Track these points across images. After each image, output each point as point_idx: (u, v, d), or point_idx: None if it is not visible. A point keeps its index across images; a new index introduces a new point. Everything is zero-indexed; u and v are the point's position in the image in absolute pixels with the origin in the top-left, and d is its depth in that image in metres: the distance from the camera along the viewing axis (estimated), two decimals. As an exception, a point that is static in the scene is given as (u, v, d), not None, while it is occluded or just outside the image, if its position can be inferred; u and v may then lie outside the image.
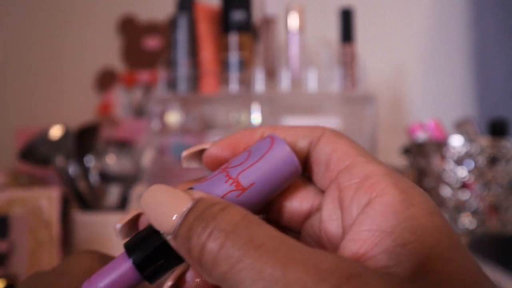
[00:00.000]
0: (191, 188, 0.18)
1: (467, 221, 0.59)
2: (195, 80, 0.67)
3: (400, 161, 0.73)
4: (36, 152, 0.68)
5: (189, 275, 0.19)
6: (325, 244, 0.19)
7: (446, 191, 0.60)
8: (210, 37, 0.71)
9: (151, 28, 0.97)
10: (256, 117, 0.66)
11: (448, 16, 0.98)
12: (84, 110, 0.94)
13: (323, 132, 0.20)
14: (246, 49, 0.66)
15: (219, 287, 0.15)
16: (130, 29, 0.97)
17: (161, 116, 0.67)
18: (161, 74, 0.68)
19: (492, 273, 0.68)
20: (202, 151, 0.21)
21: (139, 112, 0.91)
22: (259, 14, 0.72)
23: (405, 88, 0.98)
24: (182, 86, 0.66)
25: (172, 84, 0.67)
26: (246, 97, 0.66)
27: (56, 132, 0.68)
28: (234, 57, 0.66)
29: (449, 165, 0.60)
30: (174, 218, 0.16)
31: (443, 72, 0.98)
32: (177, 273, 0.18)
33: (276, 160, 0.19)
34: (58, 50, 0.97)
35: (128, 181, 0.70)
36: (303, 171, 0.20)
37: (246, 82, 0.66)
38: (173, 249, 0.17)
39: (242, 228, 0.15)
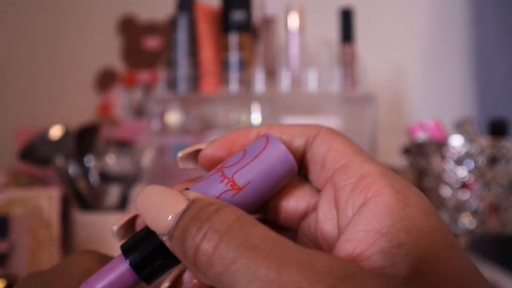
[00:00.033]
0: (187, 189, 0.18)
1: (467, 221, 0.59)
2: (195, 80, 0.67)
3: (400, 161, 0.73)
4: (36, 152, 0.68)
5: (186, 276, 0.19)
6: (321, 244, 0.19)
7: (446, 191, 0.60)
8: (210, 37, 0.71)
9: (151, 28, 0.97)
10: (256, 117, 0.66)
11: (448, 16, 0.98)
12: (84, 110, 0.94)
13: (319, 130, 0.20)
14: (246, 49, 0.66)
15: None
16: (130, 29, 0.97)
17: (161, 116, 0.67)
18: (161, 74, 0.68)
19: (492, 273, 0.68)
20: (198, 152, 0.21)
21: (139, 112, 0.91)
22: (259, 14, 0.72)
23: (405, 88, 0.98)
24: (182, 86, 0.66)
25: (172, 84, 0.67)
26: (246, 97, 0.66)
27: (56, 132, 0.68)
28: (234, 57, 0.66)
29: (449, 165, 0.60)
30: (169, 218, 0.16)
31: (443, 72, 0.98)
32: (174, 274, 0.18)
33: (272, 159, 0.19)
34: (58, 50, 0.97)
35: (128, 181, 0.70)
36: (300, 169, 0.20)
37: (246, 82, 0.66)
38: (169, 250, 0.17)
39: (236, 229, 0.15)
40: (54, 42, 0.97)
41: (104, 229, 0.63)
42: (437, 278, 0.15)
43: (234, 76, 0.66)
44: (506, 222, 0.60)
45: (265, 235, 0.15)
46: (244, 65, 0.66)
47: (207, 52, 0.70)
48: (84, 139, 0.70)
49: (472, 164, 0.59)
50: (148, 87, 0.93)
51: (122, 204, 0.68)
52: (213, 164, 0.20)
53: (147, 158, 0.69)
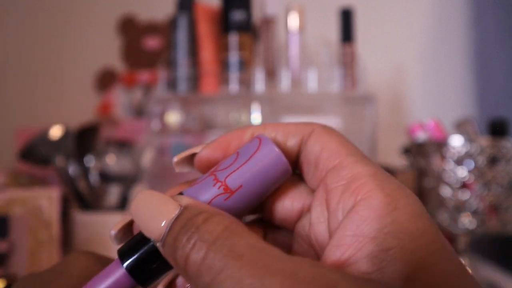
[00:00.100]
0: (181, 193, 0.19)
1: (467, 221, 0.59)
2: (195, 80, 0.67)
3: (400, 161, 0.73)
4: (36, 152, 0.68)
5: (180, 280, 0.19)
6: (314, 246, 0.19)
7: (446, 191, 0.60)
8: (210, 37, 0.71)
9: (151, 28, 0.97)
10: (256, 117, 0.66)
11: (448, 16, 0.98)
12: (84, 110, 0.94)
13: (313, 128, 0.20)
14: (246, 49, 0.66)
15: None
16: (130, 29, 0.97)
17: (161, 116, 0.67)
18: (161, 74, 0.68)
19: (492, 273, 0.68)
20: (193, 155, 0.21)
21: (139, 112, 0.91)
22: (259, 14, 0.72)
23: (405, 88, 0.98)
24: (182, 86, 0.66)
25: (172, 84, 0.67)
26: (246, 97, 0.66)
27: (56, 132, 0.68)
28: (234, 57, 0.66)
29: (449, 165, 0.60)
30: (162, 225, 0.16)
31: (443, 72, 0.98)
32: (168, 278, 0.19)
33: (264, 161, 0.19)
34: (58, 50, 0.97)
35: (128, 181, 0.70)
36: (295, 169, 0.20)
37: (246, 82, 0.66)
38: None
39: (223, 239, 0.15)
40: (54, 42, 0.97)
41: (104, 229, 0.63)
42: (423, 283, 0.14)
43: (234, 76, 0.66)
44: (506, 222, 0.60)
45: (250, 245, 0.15)
46: (244, 65, 0.66)
47: (207, 52, 0.70)
48: (84, 139, 0.70)
49: (472, 164, 0.59)
50: (148, 87, 0.93)
51: (122, 204, 0.68)
52: (209, 167, 0.20)
53: (147, 158, 0.69)
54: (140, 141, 0.76)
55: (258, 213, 0.21)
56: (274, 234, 0.21)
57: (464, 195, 0.59)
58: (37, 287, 0.20)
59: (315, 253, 0.19)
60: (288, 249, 0.21)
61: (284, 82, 0.67)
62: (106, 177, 0.69)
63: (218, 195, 0.18)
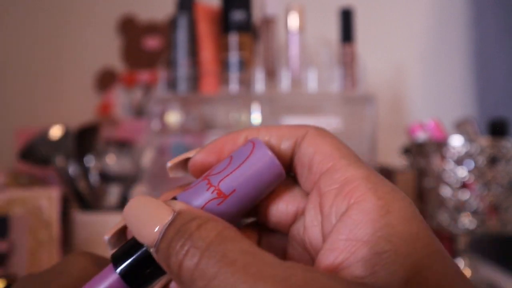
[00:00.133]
0: (174, 198, 0.19)
1: (467, 221, 0.59)
2: (195, 80, 0.67)
3: (400, 161, 0.73)
4: (36, 152, 0.68)
5: (173, 285, 0.19)
6: (309, 249, 0.19)
7: (446, 191, 0.60)
8: (210, 37, 0.71)
9: (151, 28, 0.97)
10: (256, 117, 0.66)
11: (448, 16, 0.98)
12: (84, 110, 0.94)
13: (307, 131, 0.19)
14: (246, 49, 0.66)
15: None
16: (130, 29, 0.97)
17: (161, 116, 0.67)
18: (161, 74, 0.68)
19: (492, 273, 0.68)
20: (187, 160, 0.21)
21: (139, 112, 0.91)
22: (259, 14, 0.72)
23: (405, 88, 0.98)
24: (182, 86, 0.66)
25: (172, 84, 0.67)
26: (246, 97, 0.66)
27: (56, 132, 0.68)
28: (234, 57, 0.66)
29: (449, 165, 0.60)
30: (155, 230, 0.16)
31: (443, 72, 0.98)
32: (161, 284, 0.19)
33: (257, 165, 0.19)
34: (58, 50, 0.97)
35: (128, 181, 0.70)
36: (289, 171, 0.20)
37: (246, 82, 0.66)
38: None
39: (216, 245, 0.15)
40: (54, 42, 0.97)
41: (104, 229, 0.63)
42: (418, 285, 0.14)
43: (234, 76, 0.66)
44: (506, 222, 0.60)
45: (243, 250, 0.15)
46: (244, 65, 0.66)
47: (207, 52, 0.70)
48: (84, 139, 0.70)
49: (472, 164, 0.59)
50: (148, 87, 0.93)
51: (122, 204, 0.68)
52: (203, 172, 0.20)
53: (147, 158, 0.69)
54: (140, 141, 0.76)
55: (253, 217, 0.21)
56: (269, 238, 0.21)
57: (464, 195, 0.59)
58: (36, 287, 0.20)
59: (310, 256, 0.19)
60: (283, 253, 0.21)
61: (284, 82, 0.67)
62: (106, 177, 0.69)
63: (211, 199, 0.18)
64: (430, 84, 0.98)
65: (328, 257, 0.16)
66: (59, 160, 0.67)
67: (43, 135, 0.68)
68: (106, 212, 0.66)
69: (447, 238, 0.66)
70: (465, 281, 0.16)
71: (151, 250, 0.17)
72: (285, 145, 0.20)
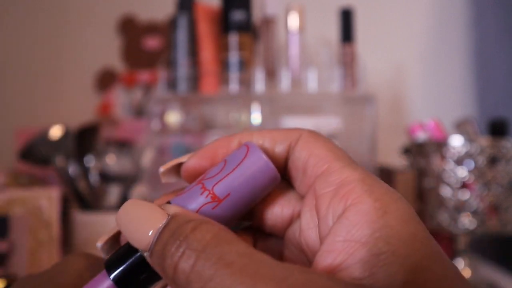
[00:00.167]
0: (168, 202, 0.18)
1: (467, 221, 0.59)
2: (195, 80, 0.67)
3: (400, 161, 0.73)
4: (36, 152, 0.68)
5: None
6: (306, 252, 0.19)
7: (446, 191, 0.60)
8: (210, 37, 0.71)
9: (151, 28, 0.97)
10: (256, 117, 0.66)
11: (448, 16, 0.98)
12: (84, 110, 0.94)
13: (301, 134, 0.19)
14: (246, 49, 0.66)
15: None
16: (130, 29, 0.97)
17: (161, 116, 0.67)
18: (161, 74, 0.68)
19: (492, 273, 0.68)
20: (180, 165, 0.21)
21: (139, 112, 0.91)
22: (259, 14, 0.72)
23: (405, 88, 0.98)
24: (182, 86, 0.66)
25: (172, 84, 0.67)
26: (246, 97, 0.66)
27: (56, 132, 0.69)
28: (234, 57, 0.66)
29: (449, 165, 0.60)
30: (150, 234, 0.16)
31: (443, 72, 0.98)
32: None
33: (252, 168, 0.18)
34: (58, 50, 0.97)
35: (128, 181, 0.70)
36: (284, 175, 0.20)
37: (246, 82, 0.66)
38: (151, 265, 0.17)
39: (212, 247, 0.15)
40: (54, 42, 0.97)
41: (104, 229, 0.63)
42: (417, 286, 0.14)
43: (234, 76, 0.66)
44: (506, 222, 0.60)
45: (240, 252, 0.15)
46: (244, 65, 0.66)
47: (207, 52, 0.70)
48: (84, 139, 0.70)
49: (472, 164, 0.59)
50: (148, 87, 0.93)
51: (122, 204, 0.68)
52: (196, 177, 0.20)
53: (147, 158, 0.69)
54: (140, 141, 0.76)
55: (248, 221, 0.21)
56: (265, 242, 0.21)
57: (464, 195, 0.59)
58: (35, 287, 0.20)
59: (307, 259, 0.19)
60: (279, 256, 0.21)
61: (284, 82, 0.67)
62: (106, 177, 0.69)
63: (206, 203, 0.18)
64: (430, 84, 0.98)
65: (326, 259, 0.16)
66: (59, 160, 0.67)
67: (43, 135, 0.68)
68: (106, 212, 0.66)
69: (447, 238, 0.66)
70: (464, 282, 0.15)
71: (145, 254, 0.17)
72: (278, 149, 0.20)
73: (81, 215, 0.65)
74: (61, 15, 0.97)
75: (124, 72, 0.95)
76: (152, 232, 0.16)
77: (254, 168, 0.18)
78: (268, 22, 0.71)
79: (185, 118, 0.69)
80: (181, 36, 0.66)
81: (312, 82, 0.68)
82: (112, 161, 0.70)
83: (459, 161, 0.59)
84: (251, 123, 0.66)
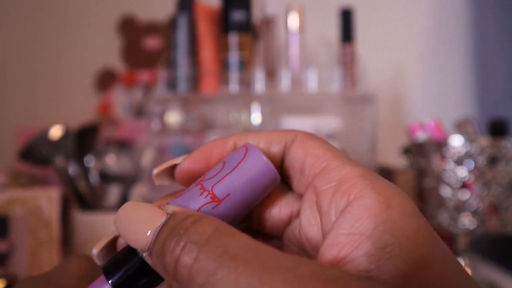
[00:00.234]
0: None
1: (467, 221, 0.59)
2: (195, 80, 0.67)
3: (400, 161, 0.73)
4: (36, 152, 0.68)
5: None
6: (307, 249, 0.19)
7: (446, 191, 0.60)
8: (210, 37, 0.71)
9: (151, 28, 0.97)
10: (256, 117, 0.66)
11: (448, 16, 0.98)
12: (84, 110, 0.94)
13: (296, 135, 0.20)
14: (246, 49, 0.66)
15: None
16: (130, 29, 0.97)
17: (161, 116, 0.67)
18: (161, 74, 0.68)
19: (492, 273, 0.68)
20: (174, 167, 0.20)
21: (139, 112, 0.91)
22: (259, 14, 0.72)
23: (405, 88, 0.98)
24: (182, 86, 0.66)
25: (172, 84, 0.67)
26: (246, 97, 0.66)
27: (56, 132, 0.69)
28: (234, 57, 0.66)
29: (449, 165, 0.60)
30: (148, 234, 0.16)
31: (443, 72, 0.98)
32: None
33: (252, 169, 0.18)
34: (58, 50, 0.97)
35: (128, 181, 0.70)
36: (280, 176, 0.20)
37: (246, 82, 0.66)
38: (152, 268, 0.16)
39: (215, 240, 0.15)
40: (54, 42, 0.97)
41: (104, 229, 0.63)
42: (422, 280, 0.14)
43: (234, 76, 0.66)
44: (506, 222, 0.60)
45: (244, 244, 0.15)
46: (244, 65, 0.66)
47: (207, 52, 0.70)
48: (84, 139, 0.70)
49: (472, 164, 0.59)
50: (148, 87, 0.93)
51: (122, 204, 0.68)
52: (190, 179, 0.20)
53: (147, 158, 0.69)
54: (140, 141, 0.76)
55: (245, 223, 0.21)
56: (263, 242, 0.21)
57: (464, 195, 0.59)
58: None
59: (308, 256, 0.19)
60: None
61: (284, 82, 0.67)
62: (106, 177, 0.69)
63: (206, 204, 0.18)
64: (430, 84, 0.98)
65: (330, 252, 0.16)
66: (59, 160, 0.67)
67: (43, 135, 0.68)
68: (106, 212, 0.66)
69: (447, 238, 0.66)
70: (467, 277, 0.16)
71: (144, 255, 0.16)
72: (274, 149, 0.20)
73: (81, 215, 0.65)
74: (61, 15, 0.97)
75: (124, 72, 0.95)
76: (150, 232, 0.16)
77: (254, 168, 0.18)
78: (268, 22, 0.71)
79: (185, 118, 0.69)
80: (181, 36, 0.66)
81: (312, 82, 0.68)
82: (112, 161, 0.70)
83: (459, 161, 0.59)
84: (251, 123, 0.66)
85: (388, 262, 0.15)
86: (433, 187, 0.62)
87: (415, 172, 0.65)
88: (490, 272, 0.68)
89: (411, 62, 0.97)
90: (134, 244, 0.16)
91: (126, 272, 0.17)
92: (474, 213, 0.59)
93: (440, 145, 0.61)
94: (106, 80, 0.96)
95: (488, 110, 0.90)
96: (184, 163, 0.20)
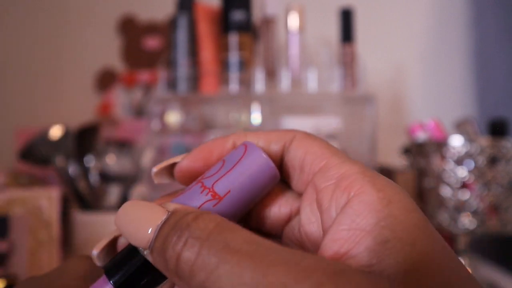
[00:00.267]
0: None
1: (467, 221, 0.59)
2: (195, 80, 0.67)
3: (400, 161, 0.73)
4: (36, 152, 0.68)
5: None
6: (307, 247, 0.19)
7: (446, 191, 0.60)
8: (210, 37, 0.71)
9: (151, 28, 0.97)
10: (256, 117, 0.66)
11: (448, 16, 0.98)
12: (84, 110, 0.94)
13: (295, 135, 0.20)
14: (246, 49, 0.66)
15: None
16: (130, 29, 0.97)
17: (161, 116, 0.67)
18: (161, 74, 0.68)
19: (492, 273, 0.68)
20: (173, 165, 0.20)
21: (139, 112, 0.91)
22: (259, 14, 0.72)
23: (405, 88, 0.98)
24: (182, 86, 0.66)
25: (172, 84, 0.67)
26: (246, 97, 0.66)
27: (56, 132, 0.69)
28: (234, 57, 0.66)
29: (449, 165, 0.60)
30: (149, 231, 0.16)
31: (443, 72, 0.98)
32: None
33: (251, 166, 0.18)
34: (58, 50, 0.97)
35: (128, 181, 0.70)
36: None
37: (246, 82, 0.66)
38: (154, 267, 0.16)
39: (217, 235, 0.15)
40: (54, 42, 0.97)
41: (104, 229, 0.63)
42: (423, 275, 0.15)
43: (234, 76, 0.66)
44: (506, 222, 0.60)
45: (246, 239, 0.15)
46: (244, 65, 0.66)
47: (207, 52, 0.70)
48: (84, 139, 0.70)
49: (472, 164, 0.59)
50: (148, 87, 0.93)
51: (122, 204, 0.68)
52: (190, 178, 0.20)
53: (147, 158, 0.69)
54: (140, 141, 0.76)
55: (245, 222, 0.21)
56: None
57: (464, 195, 0.59)
58: None
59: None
60: None
61: (284, 82, 0.67)
62: (106, 177, 0.69)
63: (207, 201, 0.18)
64: (430, 84, 0.98)
65: (332, 247, 0.16)
66: (59, 160, 0.67)
67: (43, 135, 0.68)
68: (106, 212, 0.66)
69: (447, 238, 0.66)
70: (466, 273, 0.16)
71: (146, 253, 0.16)
72: (273, 149, 0.20)
73: (81, 215, 0.65)
74: (61, 15, 0.97)
75: (124, 72, 0.95)
76: (151, 230, 0.16)
77: (254, 165, 0.18)
78: (268, 22, 0.71)
79: (185, 118, 0.69)
80: (181, 36, 0.66)
81: (312, 82, 0.68)
82: (112, 161, 0.70)
83: (459, 161, 0.59)
84: (251, 123, 0.66)
85: (389, 257, 0.15)
86: (433, 187, 0.62)
87: (415, 172, 0.65)
88: (490, 272, 0.68)
89: (411, 62, 0.97)
90: (135, 242, 0.16)
91: (128, 271, 0.17)
92: (474, 213, 0.59)
93: (440, 145, 0.61)
94: (106, 80, 0.96)
95: (488, 110, 0.90)
96: (184, 161, 0.20)
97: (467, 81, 0.97)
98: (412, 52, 0.97)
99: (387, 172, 0.68)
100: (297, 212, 0.20)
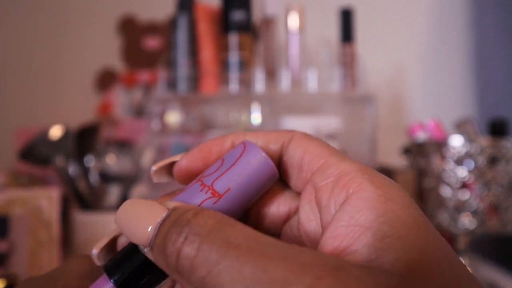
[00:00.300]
0: None
1: (467, 221, 0.59)
2: (195, 80, 0.67)
3: (400, 161, 0.73)
4: (36, 152, 0.68)
5: None
6: (306, 245, 0.19)
7: (446, 191, 0.60)
8: (210, 37, 0.71)
9: (151, 28, 0.97)
10: (256, 117, 0.66)
11: (448, 16, 0.98)
12: (84, 110, 0.94)
13: (293, 135, 0.20)
14: (246, 49, 0.66)
15: None
16: (130, 29, 0.97)
17: (161, 116, 0.67)
18: (161, 74, 0.68)
19: (492, 273, 0.68)
20: (172, 164, 0.21)
21: (139, 112, 0.91)
22: (259, 14, 0.72)
23: (405, 88, 0.98)
24: (182, 86, 0.66)
25: (172, 84, 0.67)
26: (246, 97, 0.66)
27: (56, 132, 0.69)
28: (234, 57, 0.66)
29: (449, 165, 0.60)
30: (149, 229, 0.16)
31: (443, 72, 0.98)
32: None
33: (250, 163, 0.19)
34: (58, 50, 0.97)
35: (128, 181, 0.70)
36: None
37: (246, 82, 0.66)
38: (154, 265, 0.16)
39: (217, 231, 0.15)
40: (54, 42, 0.97)
41: (104, 229, 0.63)
42: (422, 270, 0.15)
43: (234, 76, 0.66)
44: (506, 222, 0.60)
45: (246, 235, 0.15)
46: (244, 65, 0.66)
47: (207, 52, 0.70)
48: (84, 139, 0.70)
49: (472, 164, 0.59)
50: (148, 87, 0.93)
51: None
52: (189, 177, 0.20)
53: (147, 158, 0.69)
54: (140, 141, 0.76)
55: (243, 221, 0.21)
56: None
57: (464, 195, 0.59)
58: None
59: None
60: None
61: (284, 82, 0.67)
62: (106, 177, 0.69)
63: (206, 199, 0.18)
64: (430, 84, 0.98)
65: (331, 243, 0.16)
66: (59, 160, 0.67)
67: (43, 135, 0.68)
68: (106, 212, 0.66)
69: (447, 238, 0.66)
70: (465, 269, 0.16)
71: (146, 250, 0.16)
72: (272, 148, 0.20)
73: (81, 215, 0.65)
74: (61, 15, 0.97)
75: (124, 72, 0.95)
76: (152, 227, 0.16)
77: (253, 163, 0.19)
78: (268, 22, 0.71)
79: (185, 118, 0.69)
80: (181, 36, 0.66)
81: (312, 82, 0.68)
82: (112, 161, 0.70)
83: (459, 161, 0.59)
84: (251, 123, 0.66)
85: (388, 252, 0.15)
86: (433, 187, 0.62)
87: (415, 172, 0.65)
88: (490, 272, 0.68)
89: (411, 62, 0.97)
90: (135, 240, 0.16)
91: (128, 269, 0.17)
92: (474, 213, 0.59)
93: (440, 145, 0.61)
94: (106, 80, 0.96)
95: (488, 110, 0.90)
96: (183, 161, 0.20)
97: (467, 81, 0.97)
98: (412, 52, 0.97)
99: (387, 172, 0.68)
100: (296, 210, 0.20)
